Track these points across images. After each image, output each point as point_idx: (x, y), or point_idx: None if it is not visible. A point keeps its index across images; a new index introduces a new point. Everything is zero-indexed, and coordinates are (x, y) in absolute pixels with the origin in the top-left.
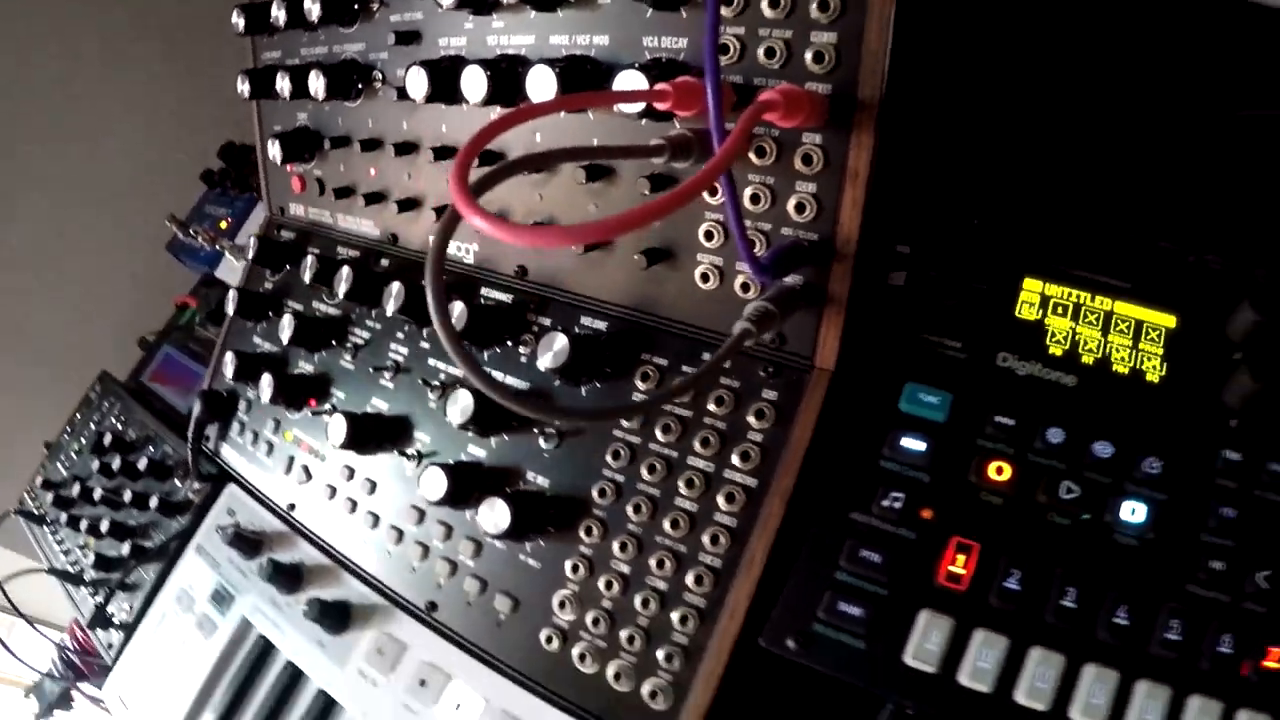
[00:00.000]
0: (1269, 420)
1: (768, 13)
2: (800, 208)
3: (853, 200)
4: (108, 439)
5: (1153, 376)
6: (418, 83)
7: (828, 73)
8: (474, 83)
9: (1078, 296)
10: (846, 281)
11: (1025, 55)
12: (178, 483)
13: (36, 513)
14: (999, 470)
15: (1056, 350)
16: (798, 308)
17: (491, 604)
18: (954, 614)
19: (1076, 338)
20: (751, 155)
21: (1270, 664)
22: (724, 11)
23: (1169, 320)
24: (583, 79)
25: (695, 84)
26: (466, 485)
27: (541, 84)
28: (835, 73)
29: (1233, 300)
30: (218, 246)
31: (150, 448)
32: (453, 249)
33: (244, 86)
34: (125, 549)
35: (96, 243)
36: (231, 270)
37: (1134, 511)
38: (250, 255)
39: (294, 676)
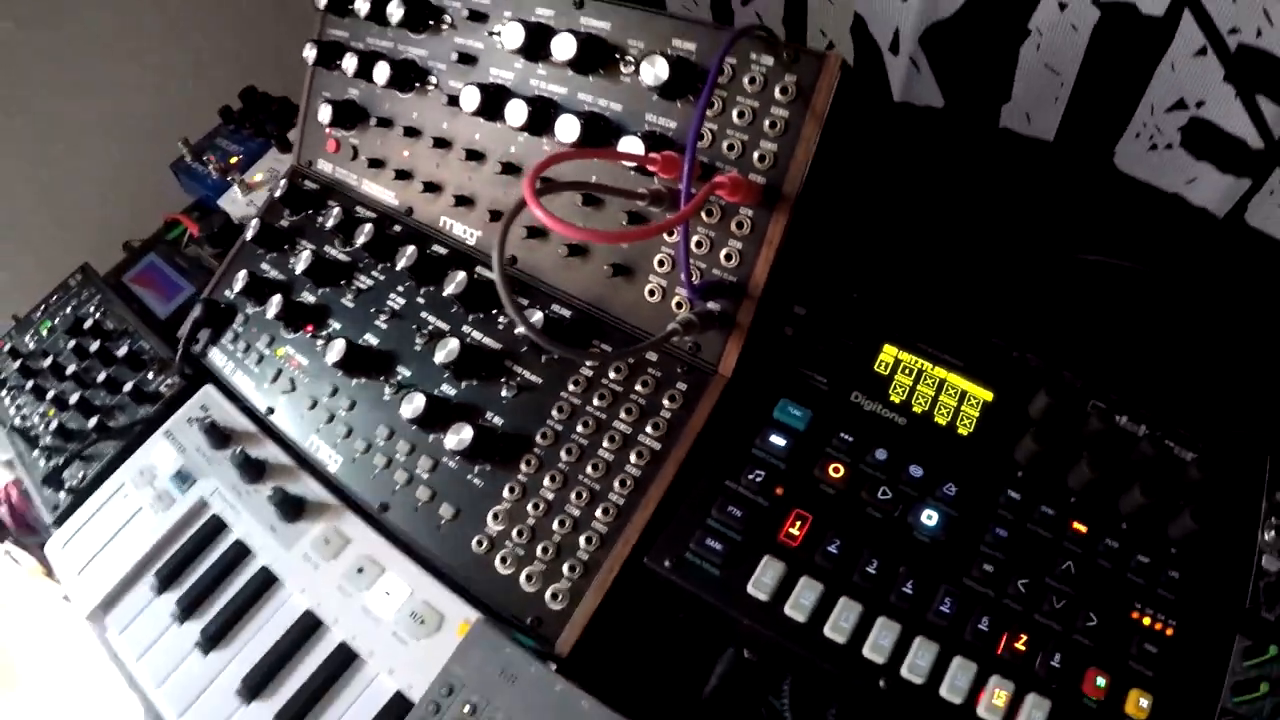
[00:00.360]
0: (1045, 476)
1: (735, 120)
2: (729, 257)
3: (765, 259)
4: (87, 324)
5: (963, 430)
6: (470, 98)
7: (767, 169)
8: (516, 112)
9: (922, 364)
10: (750, 315)
11: (912, 188)
12: (150, 376)
13: None
14: (836, 470)
15: (896, 398)
16: (713, 326)
17: (437, 511)
18: (787, 562)
19: (913, 393)
20: (703, 214)
21: (1019, 646)
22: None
23: (987, 394)
24: (596, 133)
25: (676, 159)
26: (437, 413)
27: (568, 129)
28: (771, 170)
29: (1036, 388)
30: (229, 178)
31: (127, 341)
32: (460, 232)
33: (310, 53)
34: (90, 423)
35: (100, 146)
36: (233, 202)
37: (930, 517)
38: (278, 194)
39: (239, 555)
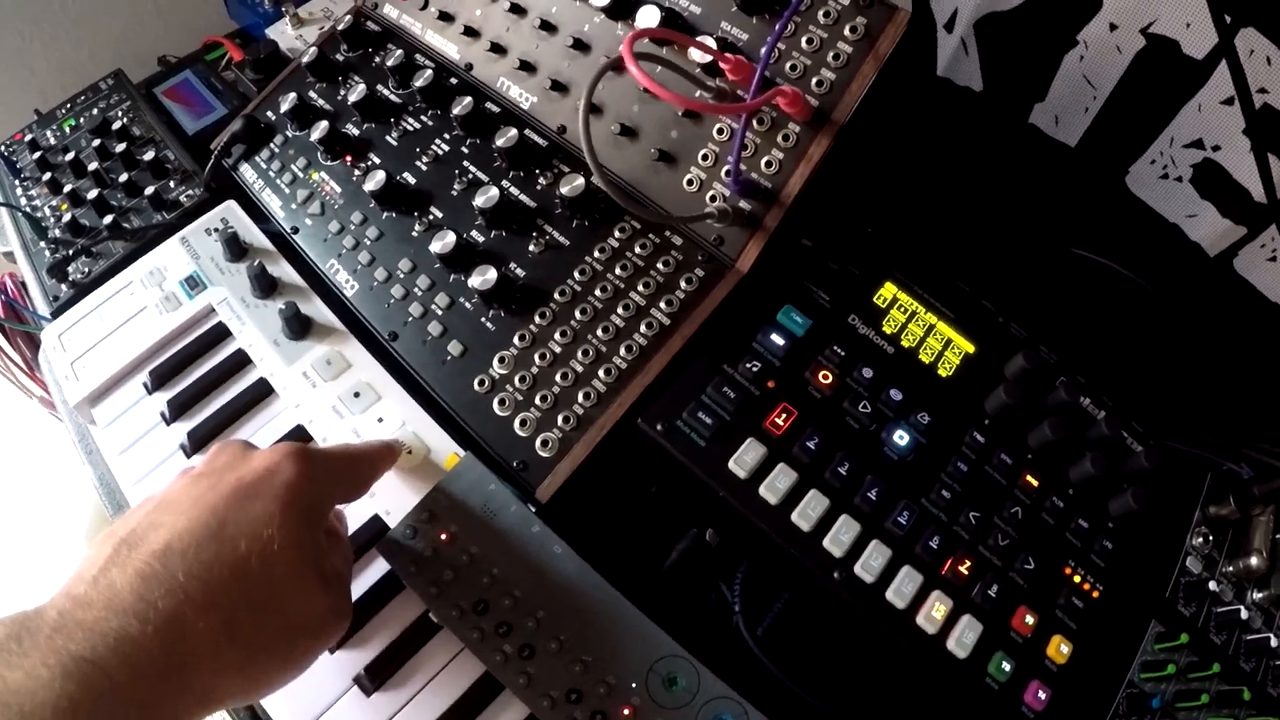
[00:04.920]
0: (1009, 428)
1: (803, 45)
2: (769, 164)
3: (802, 174)
4: (115, 126)
5: (943, 372)
6: None
7: (822, 94)
8: None
9: (916, 307)
10: (777, 221)
11: (936, 155)
12: (172, 184)
13: (13, 161)
14: (825, 377)
15: (888, 330)
16: (741, 223)
17: (445, 346)
18: (768, 447)
19: (904, 329)
20: (755, 122)
21: (962, 569)
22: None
23: (970, 347)
24: (673, 28)
25: (747, 64)
26: (464, 255)
27: (648, 17)
28: (826, 96)
29: (1015, 352)
30: (283, 9)
31: (153, 148)
32: (515, 94)
33: None
34: (104, 222)
35: None
36: (281, 34)
37: (901, 438)
38: (341, 28)
39: (239, 363)
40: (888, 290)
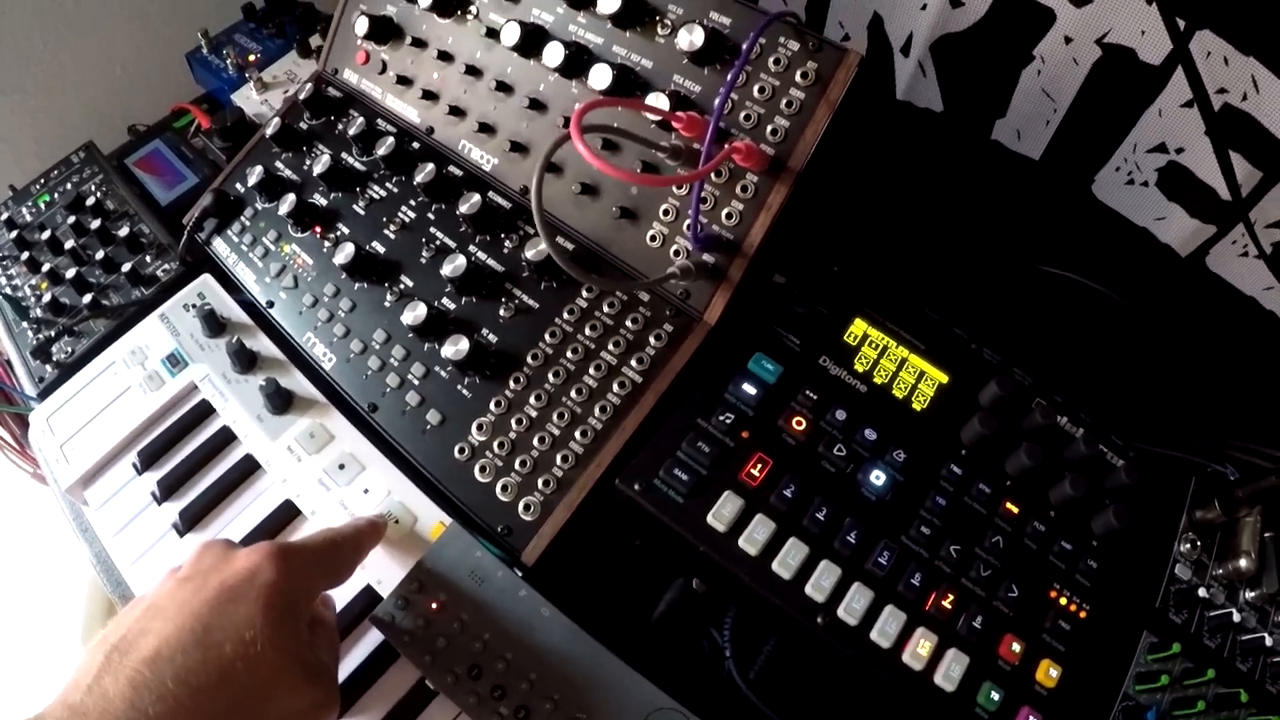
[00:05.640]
0: (986, 458)
1: (755, 94)
2: (729, 216)
3: (763, 223)
4: (89, 201)
5: (917, 406)
6: (511, 33)
7: (777, 143)
8: (554, 53)
9: (887, 341)
10: (741, 271)
11: (900, 181)
12: (148, 259)
13: None
14: (798, 423)
15: (860, 368)
16: (706, 277)
17: (424, 416)
18: (745, 499)
19: (876, 365)
20: (713, 174)
21: (945, 604)
22: None
23: (943, 377)
24: (625, 84)
25: (700, 120)
26: (436, 324)
27: (601, 76)
28: (781, 144)
29: (989, 379)
30: (246, 75)
31: (127, 222)
32: (476, 157)
33: None
34: (84, 300)
35: (116, 27)
36: (246, 99)
37: (878, 477)
38: (302, 96)
39: (224, 441)
40: (858, 327)
